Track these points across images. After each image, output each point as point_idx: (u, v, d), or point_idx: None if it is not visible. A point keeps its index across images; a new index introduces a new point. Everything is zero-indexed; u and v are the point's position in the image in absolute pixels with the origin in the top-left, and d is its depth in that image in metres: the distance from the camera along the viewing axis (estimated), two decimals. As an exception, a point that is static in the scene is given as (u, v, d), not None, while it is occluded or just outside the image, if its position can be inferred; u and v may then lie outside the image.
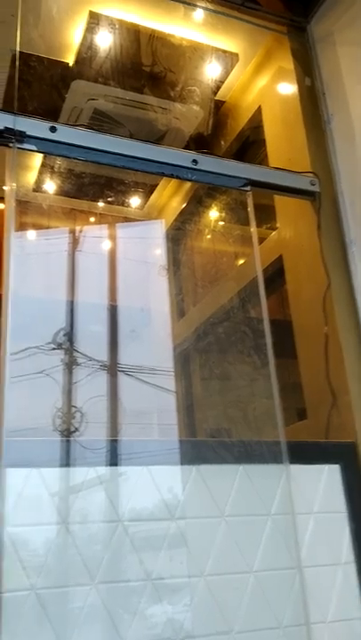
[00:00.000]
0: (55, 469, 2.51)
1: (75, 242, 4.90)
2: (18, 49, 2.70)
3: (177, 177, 2.83)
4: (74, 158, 2.77)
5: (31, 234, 4.60)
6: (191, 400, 4.15)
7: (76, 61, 3.37)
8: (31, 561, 2.21)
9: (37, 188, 4.28)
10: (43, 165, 3.90)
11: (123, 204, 4.52)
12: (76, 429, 4.25)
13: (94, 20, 3.15)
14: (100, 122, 3.58)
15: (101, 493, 2.42)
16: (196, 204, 4.09)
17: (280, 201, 3.20)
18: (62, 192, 4.39)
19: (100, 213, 4.84)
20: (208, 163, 2.78)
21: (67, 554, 2.24)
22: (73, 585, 2.17)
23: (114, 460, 2.41)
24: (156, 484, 2.39)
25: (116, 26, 3.16)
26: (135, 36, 3.21)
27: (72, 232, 4.86)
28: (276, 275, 3.18)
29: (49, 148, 2.69)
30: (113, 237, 4.89)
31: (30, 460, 2.34)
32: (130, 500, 2.36)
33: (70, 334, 4.58)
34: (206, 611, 2.24)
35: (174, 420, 4.03)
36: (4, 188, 4.59)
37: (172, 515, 2.36)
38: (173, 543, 2.33)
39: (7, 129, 2.55)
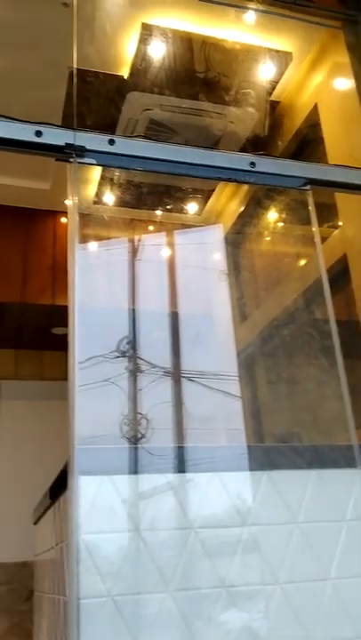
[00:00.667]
0: (125, 476, 2.53)
1: (134, 251, 4.97)
2: (75, 66, 2.77)
3: (235, 181, 2.82)
4: (132, 169, 2.81)
5: (92, 245, 4.70)
6: (258, 404, 4.11)
7: (131, 73, 3.42)
8: (106, 568, 2.24)
9: (97, 200, 4.36)
10: (102, 178, 3.97)
11: (180, 211, 4.55)
12: (143, 436, 4.29)
13: (147, 31, 3.19)
14: (156, 131, 3.62)
15: (171, 500, 2.42)
16: (255, 206, 4.06)
17: (342, 198, 3.13)
18: (121, 203, 4.46)
19: (159, 222, 4.89)
20: (266, 164, 2.75)
21: (140, 560, 2.25)
22: (148, 592, 2.18)
23: (182, 466, 2.41)
24: (226, 490, 2.37)
25: (169, 35, 3.19)
26: (188, 44, 3.23)
27: (131, 241, 4.92)
28: (340, 274, 3.11)
29: (108, 160, 2.74)
30: (172, 245, 4.93)
31: (101, 467, 2.38)
32: (200, 506, 2.36)
33: (133, 342, 4.63)
34: (282, 618, 2.20)
35: (241, 425, 4.00)
36: (66, 202, 4.70)
37: (243, 521, 2.33)
38: (246, 549, 2.30)
39: (68, 145, 2.61)
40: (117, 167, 2.85)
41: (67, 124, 3.27)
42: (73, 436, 2.34)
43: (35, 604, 4.16)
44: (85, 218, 4.61)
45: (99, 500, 2.33)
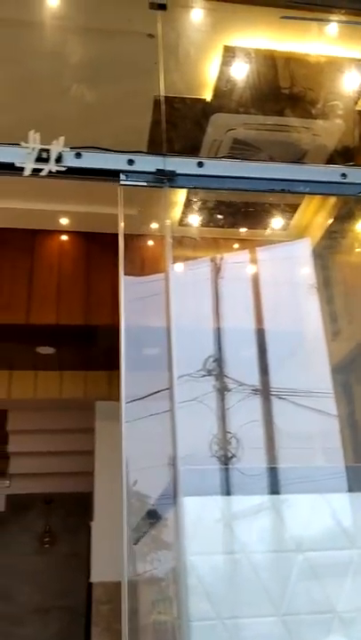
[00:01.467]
0: (227, 497, 2.51)
1: (219, 269, 4.99)
2: (163, 93, 2.85)
3: (326, 194, 2.78)
4: (220, 189, 2.84)
5: (178, 266, 4.76)
6: (355, 422, 3.98)
7: (214, 96, 3.47)
8: (214, 589, 2.22)
9: (182, 221, 4.43)
10: (187, 199, 4.03)
11: (266, 227, 4.53)
12: (233, 455, 4.25)
13: (229, 53, 3.24)
14: (240, 150, 3.64)
15: (272, 521, 2.38)
16: (345, 217, 3.98)
17: None
18: (206, 223, 4.50)
19: (244, 239, 4.89)
20: (358, 175, 2.70)
21: (248, 583, 2.22)
22: (257, 615, 2.14)
23: (275, 487, 2.37)
24: (327, 511, 2.30)
25: (251, 55, 3.22)
26: (271, 61, 3.24)
27: (216, 260, 4.95)
28: None
29: (197, 182, 2.78)
30: (258, 261, 4.90)
31: (202, 488, 2.37)
32: (303, 527, 2.30)
33: (220, 360, 4.63)
34: None
35: (338, 443, 3.87)
36: (152, 225, 4.81)
37: (352, 543, 2.25)
38: (358, 572, 2.22)
39: (159, 170, 2.68)
40: (206, 188, 2.89)
41: (152, 150, 3.36)
42: (176, 457, 2.36)
43: (139, 624, 4.18)
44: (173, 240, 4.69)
45: (202, 521, 2.32)
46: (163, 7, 2.96)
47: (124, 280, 2.79)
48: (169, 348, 2.59)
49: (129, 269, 5.00)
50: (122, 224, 2.82)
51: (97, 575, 5.09)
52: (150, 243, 4.99)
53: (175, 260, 4.84)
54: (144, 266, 5.00)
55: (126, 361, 2.63)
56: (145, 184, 2.76)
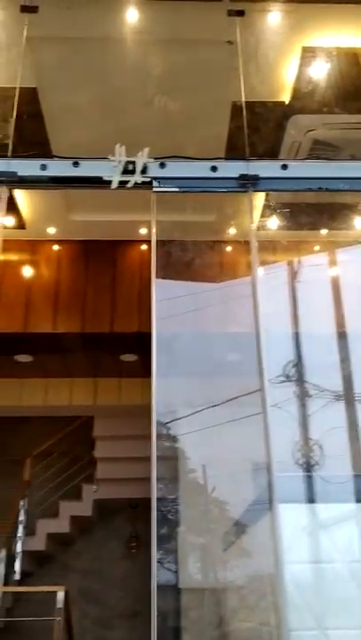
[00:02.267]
0: (311, 505, 2.46)
1: (298, 272, 4.91)
2: (243, 98, 2.85)
3: None
4: (305, 191, 2.80)
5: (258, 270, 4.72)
6: None
7: (293, 97, 3.44)
8: (312, 599, 2.18)
9: (261, 226, 4.39)
10: (266, 201, 3.99)
11: (348, 228, 4.42)
12: (316, 463, 4.15)
13: (308, 53, 3.20)
14: (321, 151, 3.58)
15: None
16: None
17: None
18: (285, 226, 4.45)
19: (324, 241, 4.79)
20: None
21: (348, 592, 2.16)
22: (354, 627, 2.08)
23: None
24: None
25: (332, 54, 3.17)
26: (352, 59, 3.18)
27: (295, 263, 4.88)
28: None
29: (281, 185, 2.76)
30: (338, 263, 4.79)
31: (285, 495, 2.34)
32: None
33: (299, 366, 4.54)
34: None
35: None
36: (230, 230, 4.80)
37: None
38: None
39: (242, 175, 2.68)
40: (290, 191, 2.86)
41: (231, 155, 3.37)
42: (271, 464, 2.34)
43: (230, 630, 4.16)
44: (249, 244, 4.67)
45: (288, 529, 2.28)
46: (241, 13, 2.97)
47: (155, 284, 2.81)
48: (258, 353, 2.57)
49: (205, 275, 5.02)
50: (154, 229, 2.84)
51: (185, 581, 5.11)
52: (228, 248, 4.99)
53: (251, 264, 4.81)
54: (222, 271, 5.01)
55: (158, 368, 2.66)
56: (227, 190, 2.77)
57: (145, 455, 6.71)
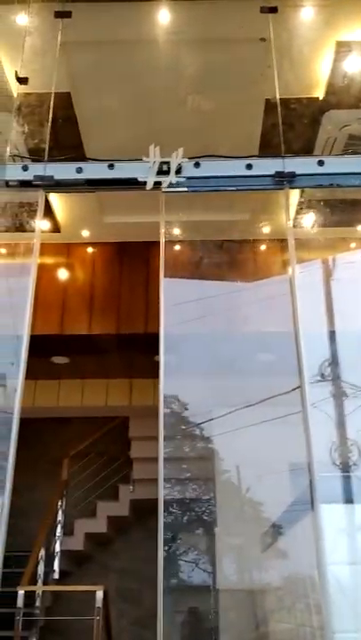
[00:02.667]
0: (349, 505, 2.42)
1: (333, 270, 4.84)
2: (278, 95, 2.83)
3: None
4: (342, 186, 2.76)
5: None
6: None
7: (327, 93, 3.39)
8: (353, 601, 2.14)
9: (296, 223, 4.35)
10: (300, 197, 3.95)
11: (385, 224, 4.35)
12: (354, 463, 4.08)
13: (343, 48, 3.15)
14: (357, 146, 3.53)
15: None
16: None
17: None
18: (320, 223, 4.39)
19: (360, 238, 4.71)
20: None
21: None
22: None
23: None
24: None
25: (368, 46, 3.12)
26: (389, 51, 3.12)
27: (331, 261, 4.81)
28: None
29: (318, 181, 2.73)
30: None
31: (329, 495, 2.30)
32: None
33: (335, 365, 4.47)
34: None
35: None
36: (264, 229, 4.76)
37: None
38: None
39: (278, 173, 2.66)
40: (326, 187, 2.82)
41: (265, 152, 3.34)
42: (312, 464, 2.31)
43: (268, 631, 4.13)
44: (284, 242, 4.63)
45: (340, 530, 2.25)
46: (274, 10, 2.94)
47: (165, 283, 2.81)
48: (298, 351, 2.55)
49: (240, 275, 5.00)
50: (162, 230, 2.84)
51: (222, 582, 5.09)
52: (263, 247, 4.96)
53: (286, 262, 4.78)
54: (256, 270, 4.98)
55: (165, 367, 2.65)
56: (263, 188, 2.75)
57: (179, 456, 6.75)
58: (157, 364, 5.69)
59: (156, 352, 5.44)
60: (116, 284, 4.93)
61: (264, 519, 4.79)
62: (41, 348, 4.96)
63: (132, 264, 4.94)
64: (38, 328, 4.69)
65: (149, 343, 5.13)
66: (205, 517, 6.75)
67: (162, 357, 2.78)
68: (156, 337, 4.89)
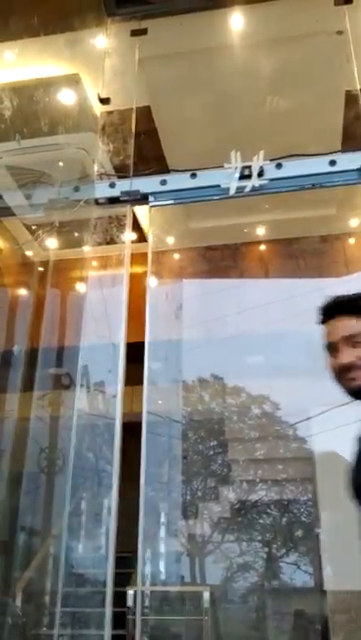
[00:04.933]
0: None
1: None
2: (359, 87, 2.76)
3: None
4: None
5: None
6: None
7: None
8: None
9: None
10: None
11: None
12: None
13: None
14: None
15: None
16: None
17: None
18: None
19: None
20: None
21: None
22: None
23: None
24: None
25: None
26: None
27: None
28: None
29: None
30: None
31: None
32: None
33: None
34: None
35: None
36: (351, 222, 4.62)
37: None
38: None
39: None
40: None
41: (348, 146, 3.25)
42: None
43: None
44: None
45: None
46: (349, 1, 2.87)
47: (150, 290, 2.80)
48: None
49: (329, 270, 4.88)
50: (150, 238, 2.83)
51: (331, 583, 5.00)
52: (352, 240, 4.84)
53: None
54: (348, 265, 4.86)
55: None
56: (348, 183, 2.69)
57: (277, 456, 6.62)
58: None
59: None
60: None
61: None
62: (134, 354, 5.10)
63: (217, 267, 4.98)
64: (131, 336, 4.84)
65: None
66: (304, 519, 6.66)
67: (146, 365, 2.79)
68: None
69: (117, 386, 2.63)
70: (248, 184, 2.65)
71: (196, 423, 6.55)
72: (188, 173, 2.73)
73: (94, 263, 4.09)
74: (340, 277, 4.92)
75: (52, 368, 4.87)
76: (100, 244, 3.20)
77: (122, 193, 2.72)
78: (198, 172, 2.73)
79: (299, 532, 6.79)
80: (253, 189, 2.65)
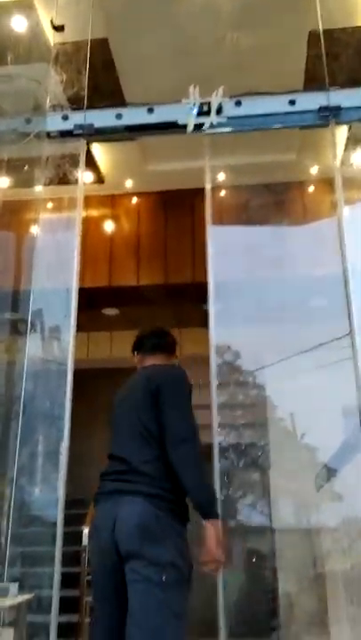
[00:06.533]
0: None
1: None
2: (321, 26, 2.69)
3: None
4: None
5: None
6: None
7: (374, 18, 3.20)
8: None
9: (345, 162, 4.19)
10: (348, 133, 3.77)
11: None
12: None
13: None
14: None
15: None
16: None
17: None
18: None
19: None
20: None
21: None
22: None
23: None
24: None
25: None
26: None
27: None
28: None
29: (367, 114, 2.61)
30: None
31: None
32: None
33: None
34: None
35: None
36: (312, 170, 4.59)
37: None
38: None
39: (322, 108, 2.55)
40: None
41: (309, 88, 3.20)
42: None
43: (325, 571, 4.23)
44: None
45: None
46: None
47: (211, 231, 2.77)
48: (347, 295, 2.50)
49: (286, 217, 4.87)
50: (208, 175, 2.76)
51: (278, 523, 5.22)
52: (311, 188, 4.82)
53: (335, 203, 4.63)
54: (305, 212, 4.85)
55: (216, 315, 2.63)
56: (307, 124, 2.65)
57: (227, 402, 6.79)
58: (206, 312, 5.71)
59: (205, 301, 5.45)
60: (161, 233, 4.92)
61: (318, 463, 4.83)
62: (91, 300, 5.04)
63: (176, 212, 4.91)
64: (87, 281, 4.77)
65: (198, 292, 5.14)
66: (260, 462, 6.87)
67: (211, 306, 2.77)
68: (204, 286, 4.89)
69: (70, 332, 2.59)
70: (207, 121, 2.59)
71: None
72: (145, 108, 2.64)
73: (49, 205, 3.97)
74: (299, 226, 4.93)
75: (7, 312, 4.77)
76: (52, 183, 3.09)
77: (75, 126, 2.61)
78: (156, 107, 2.65)
79: (256, 475, 7.05)
80: (212, 126, 2.58)
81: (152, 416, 1.86)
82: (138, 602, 1.64)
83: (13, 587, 2.65)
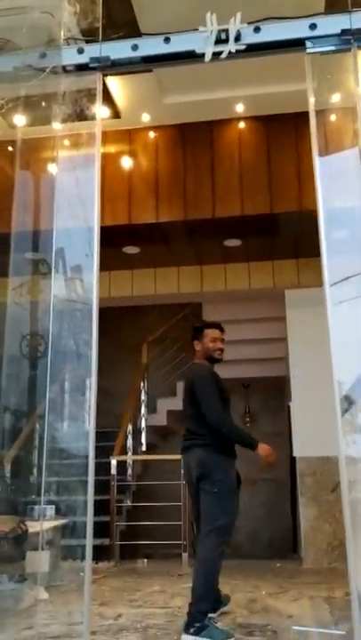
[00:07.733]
0: None
1: None
2: None
3: None
4: None
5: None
6: None
7: None
8: None
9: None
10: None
11: None
12: None
13: None
14: None
15: None
16: None
17: None
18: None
19: None
20: None
21: None
22: None
23: None
24: None
25: None
26: None
27: None
28: None
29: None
30: None
31: None
32: None
33: None
34: None
35: None
36: (333, 98, 4.45)
37: None
38: None
39: (344, 31, 2.45)
40: None
41: (332, 11, 3.06)
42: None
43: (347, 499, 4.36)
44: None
45: None
46: None
47: (318, 161, 2.70)
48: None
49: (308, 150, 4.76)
50: (312, 99, 2.67)
51: (299, 450, 5.37)
52: (333, 117, 4.67)
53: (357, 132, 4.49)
54: (328, 143, 4.73)
55: (327, 245, 2.58)
56: (333, 48, 2.56)
57: (255, 337, 6.87)
58: (227, 248, 5.67)
59: (226, 237, 5.40)
60: (180, 168, 4.85)
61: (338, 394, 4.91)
62: (112, 239, 5.06)
63: (195, 146, 4.82)
64: (107, 219, 4.77)
65: (217, 228, 5.13)
66: (279, 393, 7.02)
67: (323, 237, 2.64)
68: (224, 221, 4.85)
69: (93, 271, 2.61)
70: (225, 49, 2.51)
71: (175, 308, 6.63)
72: (162, 38, 2.57)
73: (67, 142, 3.93)
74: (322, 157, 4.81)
75: (29, 253, 4.82)
76: (69, 120, 3.05)
77: (91, 59, 2.56)
78: (172, 37, 2.57)
79: (275, 404, 7.24)
80: (230, 54, 2.51)
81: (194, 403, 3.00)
82: (203, 503, 2.89)
83: (50, 510, 2.84)
